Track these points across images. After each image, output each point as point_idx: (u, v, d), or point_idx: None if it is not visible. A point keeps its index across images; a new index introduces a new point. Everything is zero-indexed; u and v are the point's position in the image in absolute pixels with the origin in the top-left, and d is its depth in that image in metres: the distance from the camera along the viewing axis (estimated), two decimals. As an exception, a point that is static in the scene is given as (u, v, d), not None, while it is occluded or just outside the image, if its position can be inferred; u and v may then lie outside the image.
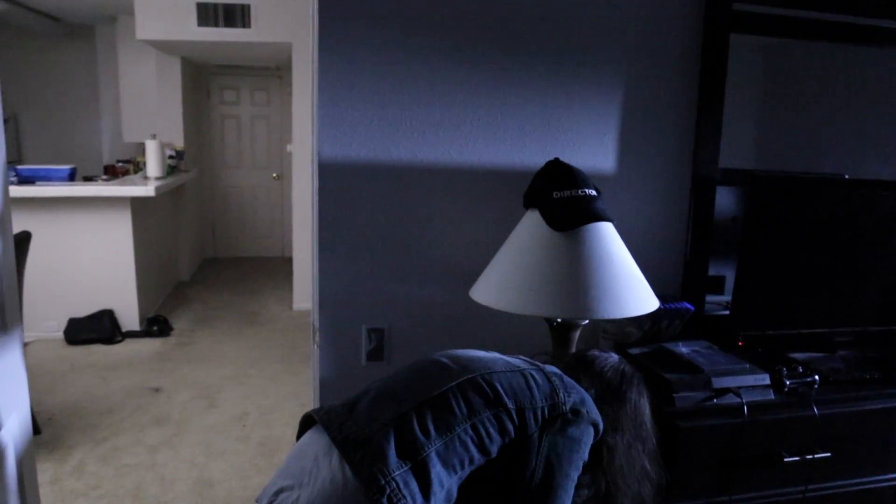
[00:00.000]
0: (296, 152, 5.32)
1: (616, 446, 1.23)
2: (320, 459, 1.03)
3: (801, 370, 1.71)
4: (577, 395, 1.16)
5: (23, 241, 2.97)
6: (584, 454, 1.13)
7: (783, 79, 2.13)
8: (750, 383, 1.62)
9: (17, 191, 4.24)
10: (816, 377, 1.68)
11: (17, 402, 1.66)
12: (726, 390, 1.61)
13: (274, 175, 7.37)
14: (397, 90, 1.71)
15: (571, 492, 1.11)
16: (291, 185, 5.53)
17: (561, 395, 1.14)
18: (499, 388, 1.09)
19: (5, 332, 1.55)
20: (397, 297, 1.82)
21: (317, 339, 1.81)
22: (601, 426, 1.19)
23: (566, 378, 1.20)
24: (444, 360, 1.17)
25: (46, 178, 4.54)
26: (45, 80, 6.56)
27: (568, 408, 1.12)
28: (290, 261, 6.20)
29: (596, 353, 1.38)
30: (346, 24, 1.66)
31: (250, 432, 3.32)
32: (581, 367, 1.33)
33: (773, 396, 1.63)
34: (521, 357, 1.25)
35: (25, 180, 4.42)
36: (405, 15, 1.69)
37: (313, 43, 1.70)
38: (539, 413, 1.10)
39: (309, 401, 3.65)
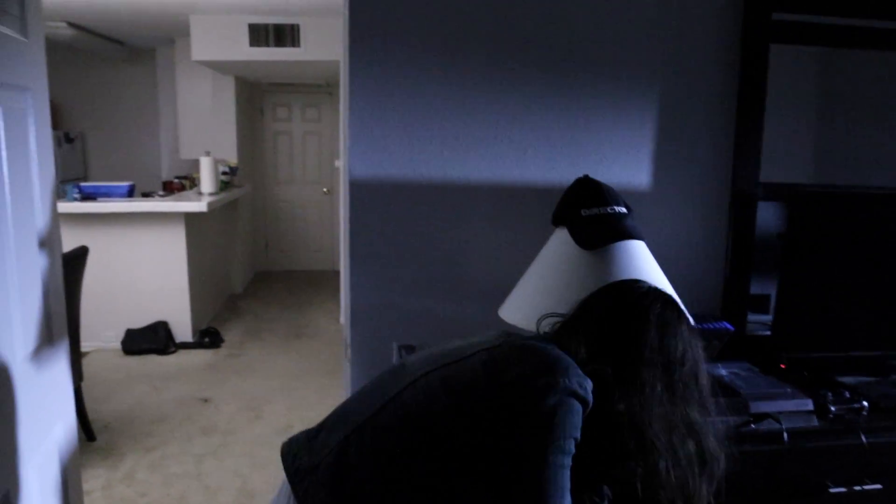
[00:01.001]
0: (343, 167, 5.42)
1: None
2: (282, 494, 1.00)
3: (848, 395, 1.62)
4: (534, 363, 0.92)
5: (80, 256, 3.10)
6: (569, 432, 0.88)
7: (837, 88, 2.05)
8: (791, 408, 1.56)
9: (79, 207, 4.45)
10: (865, 403, 1.60)
11: (63, 412, 1.73)
12: (765, 415, 1.54)
13: (324, 190, 7.51)
14: (426, 109, 1.72)
15: (561, 480, 0.87)
16: (339, 199, 5.63)
17: (513, 369, 0.92)
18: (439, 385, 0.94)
19: (52, 345, 1.62)
20: (428, 314, 1.82)
21: (348, 354, 1.82)
22: (585, 393, 0.89)
23: (538, 346, 0.95)
24: (400, 363, 1.08)
25: (107, 194, 4.75)
26: (109, 101, 6.86)
27: None
28: (338, 274, 6.29)
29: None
30: (376, 44, 1.68)
31: (293, 444, 3.37)
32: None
33: (816, 423, 1.56)
34: (502, 332, 1.05)
35: (88, 196, 4.63)
36: (434, 35, 1.71)
37: (343, 62, 1.74)
38: None
39: (351, 414, 3.68)
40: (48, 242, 1.60)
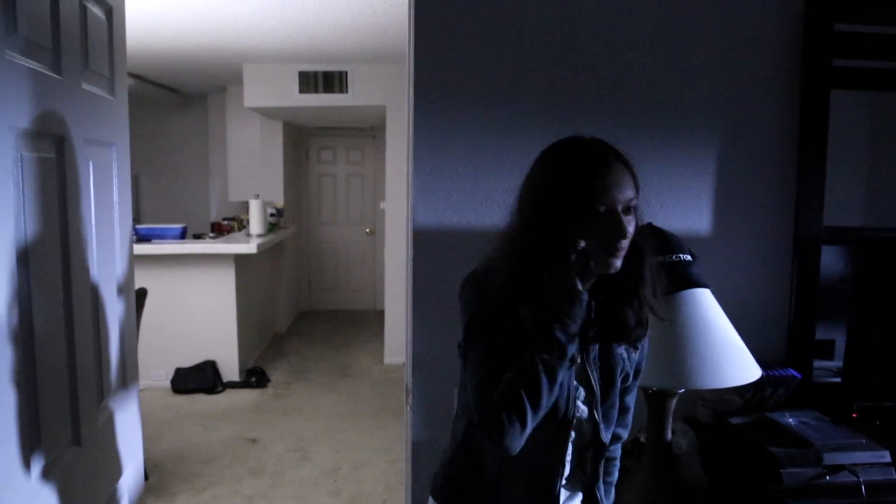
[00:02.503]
0: (389, 209, 5.50)
1: None
2: None
3: (925, 447, 1.57)
4: None
5: (140, 297, 3.20)
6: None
7: (887, 130, 2.03)
8: (867, 460, 1.51)
9: (135, 248, 4.58)
10: (944, 455, 1.54)
11: (133, 454, 1.78)
12: (840, 467, 1.50)
13: (367, 230, 7.61)
14: (489, 158, 1.76)
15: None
16: (385, 240, 5.70)
17: None
18: None
19: (125, 388, 1.68)
20: (488, 360, 1.83)
21: (409, 400, 1.83)
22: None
23: None
24: None
25: (161, 236, 4.89)
26: (161, 145, 7.12)
27: None
28: (381, 314, 6.33)
29: None
30: (439, 94, 1.73)
31: (342, 487, 3.36)
32: None
33: (895, 475, 1.51)
34: None
35: (142, 238, 4.78)
36: (496, 85, 1.75)
37: (409, 113, 1.79)
38: None
39: (399, 458, 3.67)
40: (125, 288, 1.67)
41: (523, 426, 1.05)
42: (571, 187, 1.09)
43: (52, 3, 1.20)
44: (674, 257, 1.51)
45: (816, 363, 1.93)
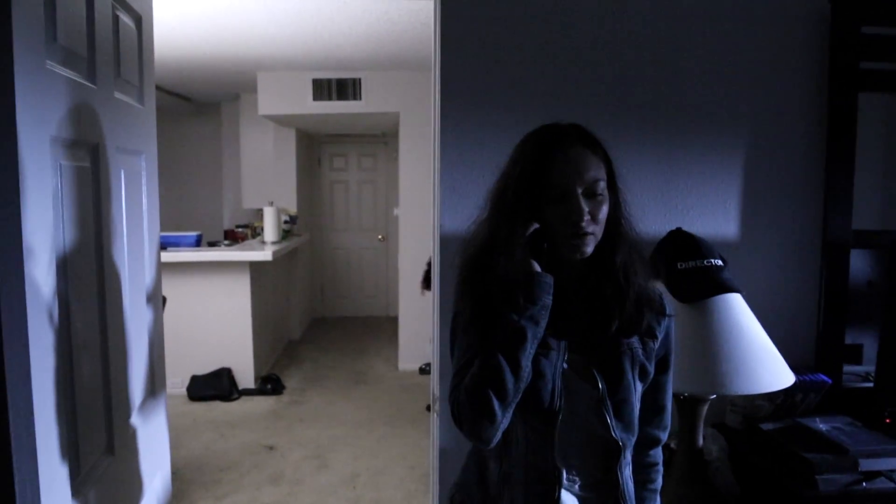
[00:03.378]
0: (402, 215, 5.50)
1: None
2: None
3: (962, 453, 1.55)
4: None
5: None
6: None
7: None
8: (904, 466, 1.49)
9: (152, 257, 4.60)
10: (982, 461, 1.52)
11: (161, 462, 1.78)
12: (877, 473, 1.48)
13: (379, 237, 7.62)
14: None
15: None
16: (398, 246, 5.70)
17: None
18: None
19: (154, 397, 1.68)
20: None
21: (437, 407, 1.83)
22: None
23: None
24: None
25: (176, 244, 4.91)
26: (175, 153, 7.15)
27: None
28: (394, 320, 6.32)
29: None
30: (466, 101, 1.73)
31: (361, 494, 3.35)
32: None
33: (931, 482, 1.49)
34: None
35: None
36: (522, 90, 1.75)
37: (434, 118, 1.79)
38: None
39: (418, 465, 3.65)
40: (154, 296, 1.67)
41: (492, 416, 1.02)
42: (529, 171, 1.08)
43: (88, 12, 1.21)
44: (705, 262, 1.50)
45: (845, 368, 1.91)
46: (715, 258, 1.51)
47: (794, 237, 1.87)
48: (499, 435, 1.04)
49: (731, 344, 1.43)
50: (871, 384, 1.88)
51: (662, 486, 1.58)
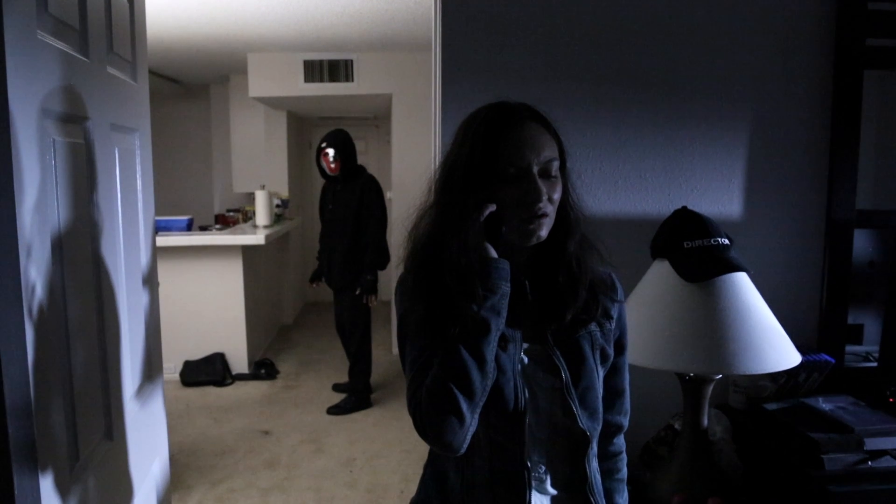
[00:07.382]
0: (395, 199, 5.45)
1: None
2: None
3: (966, 430, 1.55)
4: None
5: (152, 289, 3.17)
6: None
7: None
8: (909, 445, 1.49)
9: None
10: None
11: (159, 447, 1.75)
12: (882, 452, 1.48)
13: (371, 220, 7.56)
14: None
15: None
16: (391, 229, 5.66)
17: None
18: None
19: (151, 381, 1.65)
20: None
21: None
22: None
23: None
24: None
25: (167, 228, 4.85)
26: (163, 136, 7.04)
27: None
28: (387, 304, 6.30)
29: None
30: (467, 81, 1.70)
31: (358, 478, 3.35)
32: None
33: (936, 460, 1.49)
34: None
35: (149, 231, 4.73)
36: (523, 70, 1.71)
37: (435, 99, 1.75)
38: None
39: (414, 449, 3.65)
40: (149, 279, 1.63)
41: (460, 417, 0.93)
42: (479, 150, 1.01)
43: (79, -17, 1.17)
44: (712, 241, 1.47)
45: (847, 348, 1.90)
46: (721, 237, 1.49)
47: (798, 216, 1.85)
48: (468, 440, 0.95)
49: (739, 323, 1.42)
50: (872, 364, 1.88)
51: (667, 467, 1.57)
